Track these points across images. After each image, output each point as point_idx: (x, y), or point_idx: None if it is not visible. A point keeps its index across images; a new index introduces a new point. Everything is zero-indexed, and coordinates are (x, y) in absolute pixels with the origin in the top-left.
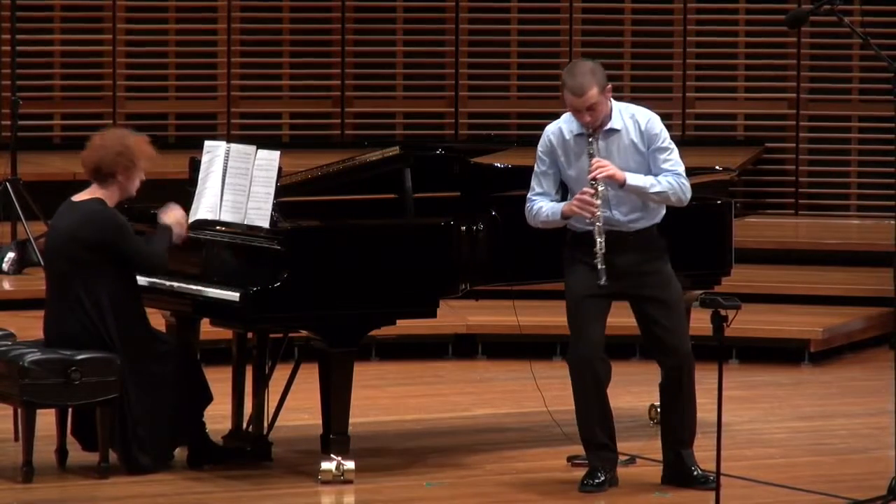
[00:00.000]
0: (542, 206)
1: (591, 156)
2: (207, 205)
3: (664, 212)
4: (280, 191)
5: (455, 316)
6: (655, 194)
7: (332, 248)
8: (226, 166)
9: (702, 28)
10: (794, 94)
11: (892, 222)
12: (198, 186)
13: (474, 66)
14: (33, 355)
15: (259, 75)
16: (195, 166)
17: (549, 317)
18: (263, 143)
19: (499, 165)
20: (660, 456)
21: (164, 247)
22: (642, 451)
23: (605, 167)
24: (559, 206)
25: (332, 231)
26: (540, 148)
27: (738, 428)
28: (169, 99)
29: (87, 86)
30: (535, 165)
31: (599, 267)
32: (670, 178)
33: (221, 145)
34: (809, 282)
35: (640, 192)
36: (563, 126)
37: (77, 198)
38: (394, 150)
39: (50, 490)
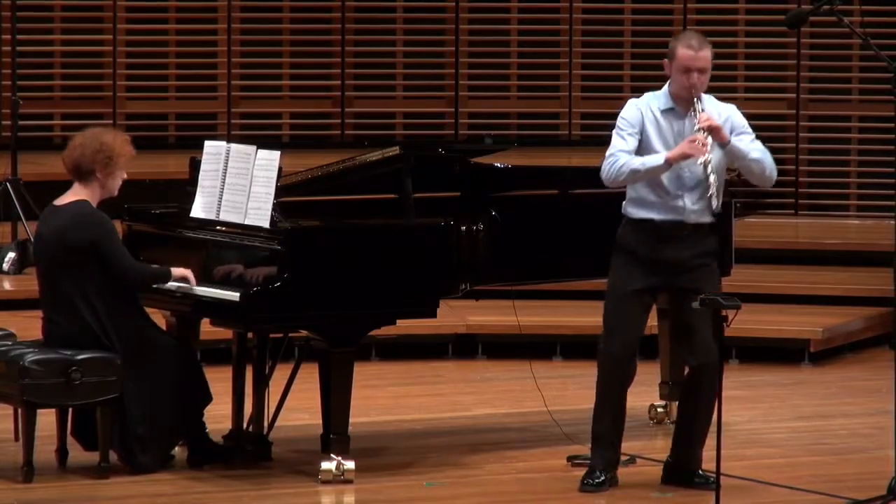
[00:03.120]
0: (631, 159)
1: (695, 112)
2: (205, 204)
3: (718, 212)
4: (280, 191)
5: (455, 316)
6: (755, 161)
7: (332, 248)
8: (226, 166)
9: (702, 28)
10: (794, 94)
11: (892, 222)
12: (197, 186)
13: (474, 66)
14: (33, 355)
15: (259, 75)
16: (195, 166)
17: (549, 317)
18: (263, 143)
19: (499, 165)
20: (660, 456)
21: (151, 273)
22: (642, 451)
23: (714, 121)
24: (658, 155)
25: (332, 231)
26: (627, 115)
27: (738, 428)
28: (169, 99)
29: (87, 86)
30: (618, 129)
31: (710, 197)
32: (766, 154)
33: (222, 145)
34: (809, 282)
35: (741, 154)
36: (650, 102)
37: (60, 201)
38: (394, 150)
39: (50, 490)
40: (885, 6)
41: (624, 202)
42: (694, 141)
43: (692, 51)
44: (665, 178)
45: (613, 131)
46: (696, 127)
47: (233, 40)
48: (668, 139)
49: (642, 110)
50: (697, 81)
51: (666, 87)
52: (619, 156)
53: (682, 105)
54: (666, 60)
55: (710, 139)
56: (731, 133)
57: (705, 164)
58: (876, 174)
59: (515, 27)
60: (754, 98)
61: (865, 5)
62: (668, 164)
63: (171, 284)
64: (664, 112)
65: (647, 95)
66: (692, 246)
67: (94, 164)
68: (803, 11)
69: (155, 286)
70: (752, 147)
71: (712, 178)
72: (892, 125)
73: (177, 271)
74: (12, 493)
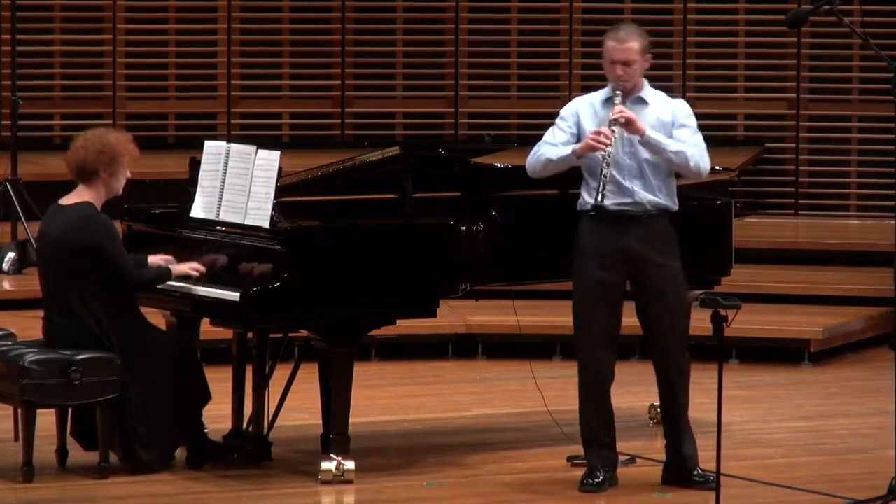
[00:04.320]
0: (549, 149)
1: (615, 103)
2: (205, 204)
3: (676, 205)
4: (280, 191)
5: (455, 316)
6: (674, 153)
7: (332, 248)
8: (226, 166)
9: (702, 28)
10: (794, 94)
11: (892, 222)
12: (197, 186)
13: (474, 66)
14: (33, 355)
15: (259, 75)
16: (195, 166)
17: (549, 317)
18: (263, 143)
19: (499, 165)
20: (660, 456)
21: (150, 277)
22: (642, 451)
23: (627, 113)
24: (568, 147)
25: (332, 231)
26: (564, 110)
27: (738, 428)
28: (169, 99)
29: (87, 86)
30: (555, 123)
31: (600, 190)
32: (691, 147)
33: (221, 145)
34: (809, 282)
35: (658, 148)
36: (595, 94)
37: (64, 201)
38: (394, 150)
39: (50, 490)
40: (885, 6)
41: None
42: (598, 134)
43: (616, 42)
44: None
45: None
46: (611, 117)
47: (233, 40)
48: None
49: (579, 104)
50: (623, 73)
51: (609, 86)
52: (542, 146)
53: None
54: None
55: (616, 133)
56: (672, 126)
57: (603, 157)
58: (876, 174)
59: (515, 27)
60: (754, 98)
61: (865, 5)
62: (576, 155)
63: (173, 283)
64: (604, 102)
65: (592, 93)
66: (651, 238)
67: (97, 164)
68: (803, 11)
69: (157, 286)
70: (679, 141)
71: (606, 171)
72: (892, 125)
73: (178, 269)
74: (12, 493)
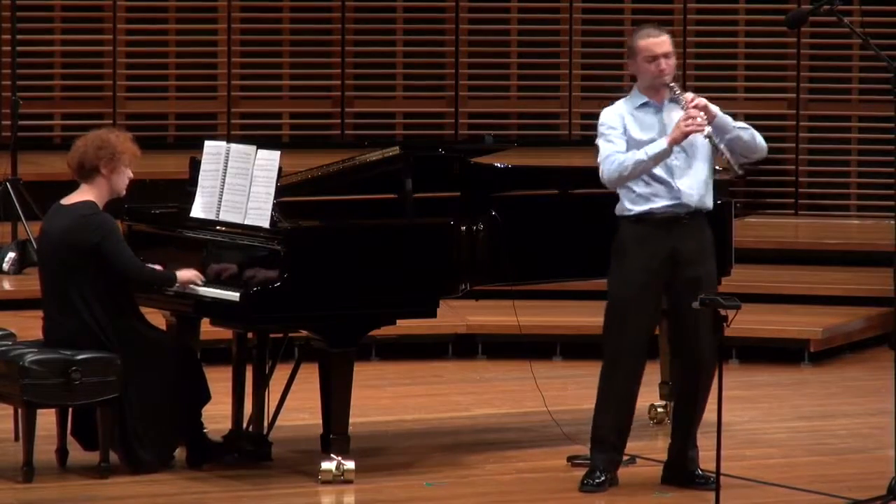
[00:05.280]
0: (632, 153)
1: (677, 93)
2: (205, 204)
3: (712, 203)
4: (280, 191)
5: (455, 316)
6: (741, 129)
7: (332, 248)
8: (226, 166)
9: (702, 28)
10: (794, 94)
11: (892, 222)
12: (197, 186)
13: (474, 66)
14: (33, 355)
15: (259, 75)
16: (195, 166)
17: (549, 317)
18: (263, 143)
19: (499, 165)
20: (660, 456)
21: (153, 275)
22: (642, 451)
23: (701, 98)
24: (659, 141)
25: (332, 231)
26: (607, 119)
27: (738, 428)
28: (169, 99)
29: (87, 86)
30: (602, 135)
31: (730, 160)
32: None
33: (222, 145)
34: (809, 282)
35: (728, 127)
36: (624, 105)
37: (66, 201)
38: (394, 150)
39: (50, 490)
40: (885, 6)
41: (617, 206)
42: (688, 118)
43: (653, 38)
44: (660, 170)
45: (598, 140)
46: (685, 106)
47: (233, 40)
48: (652, 131)
49: (620, 112)
50: (666, 66)
51: (634, 88)
52: (617, 156)
53: (656, 97)
54: (629, 61)
55: (701, 115)
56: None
57: (710, 137)
58: (876, 174)
59: (515, 27)
60: (754, 98)
61: (865, 5)
62: (671, 147)
63: (176, 288)
64: (639, 108)
65: (619, 102)
66: (695, 238)
67: (97, 161)
68: (803, 11)
69: (157, 288)
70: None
71: (721, 145)
72: (892, 125)
73: (183, 276)
74: (12, 493)
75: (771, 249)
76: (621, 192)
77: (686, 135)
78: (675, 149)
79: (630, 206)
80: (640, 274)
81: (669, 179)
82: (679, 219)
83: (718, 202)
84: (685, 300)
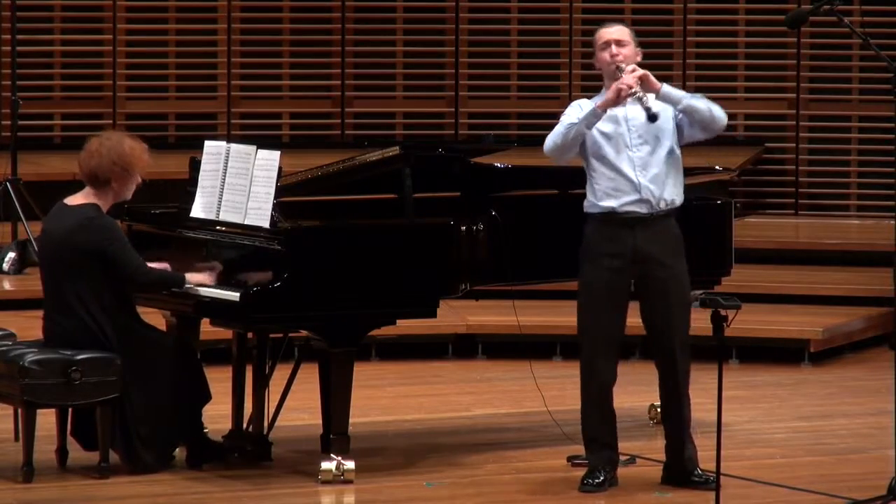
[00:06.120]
0: (566, 121)
1: (622, 70)
2: (205, 204)
3: (682, 197)
4: (280, 191)
5: (455, 316)
6: (695, 100)
7: (332, 248)
8: (226, 166)
9: (702, 28)
10: (794, 94)
11: (892, 222)
12: (197, 186)
13: (474, 66)
14: (33, 355)
15: (259, 75)
16: (195, 166)
17: (549, 317)
18: (263, 143)
19: (499, 165)
20: (660, 456)
21: (162, 278)
22: (642, 451)
23: (640, 70)
24: (588, 106)
25: (332, 231)
26: (568, 111)
27: (738, 428)
28: (169, 99)
29: (87, 86)
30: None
31: (644, 102)
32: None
33: (221, 145)
34: (809, 282)
35: (675, 99)
36: (587, 100)
37: (70, 201)
38: (394, 150)
39: (50, 490)
40: (885, 6)
41: (584, 202)
42: (621, 82)
43: (606, 27)
44: (622, 163)
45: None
46: (625, 73)
47: (233, 40)
48: (614, 122)
49: (582, 104)
50: (618, 52)
51: (603, 89)
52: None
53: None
54: (595, 61)
55: (638, 85)
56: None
57: (641, 100)
58: (876, 174)
59: (515, 27)
60: (754, 98)
61: (865, 5)
62: (602, 109)
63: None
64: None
65: (595, 97)
66: (661, 240)
67: (110, 175)
68: (803, 11)
69: (164, 291)
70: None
71: (650, 101)
72: (892, 125)
73: (192, 278)
74: (12, 493)
75: (771, 249)
76: (587, 188)
77: (617, 94)
78: (637, 141)
79: (594, 200)
80: (605, 273)
81: (631, 173)
82: (643, 219)
83: (718, 202)
84: (652, 302)
